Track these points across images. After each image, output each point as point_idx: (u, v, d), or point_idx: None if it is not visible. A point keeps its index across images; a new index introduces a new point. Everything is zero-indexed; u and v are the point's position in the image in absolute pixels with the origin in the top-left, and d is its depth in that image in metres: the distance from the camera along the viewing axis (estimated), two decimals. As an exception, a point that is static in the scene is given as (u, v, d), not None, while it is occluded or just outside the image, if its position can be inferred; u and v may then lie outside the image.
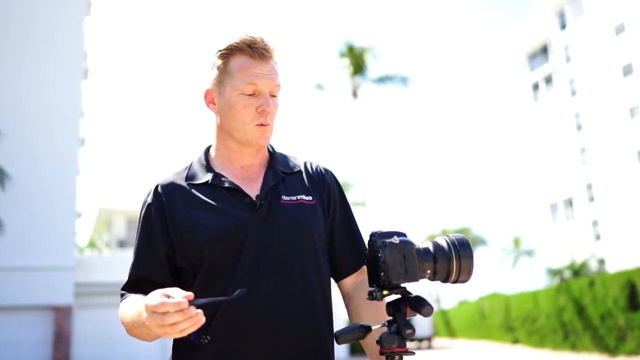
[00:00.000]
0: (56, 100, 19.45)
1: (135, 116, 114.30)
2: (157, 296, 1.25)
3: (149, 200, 1.60)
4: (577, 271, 26.95)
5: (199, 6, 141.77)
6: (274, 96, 1.59)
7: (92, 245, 46.02)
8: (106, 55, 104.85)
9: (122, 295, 1.57)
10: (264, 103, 1.55)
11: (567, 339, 20.89)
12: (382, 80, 35.12)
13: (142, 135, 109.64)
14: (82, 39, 20.83)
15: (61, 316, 18.13)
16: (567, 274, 27.22)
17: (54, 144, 19.03)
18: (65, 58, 19.95)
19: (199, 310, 1.22)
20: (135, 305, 1.43)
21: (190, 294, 1.23)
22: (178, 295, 1.23)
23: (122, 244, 33.00)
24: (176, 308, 1.20)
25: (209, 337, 1.32)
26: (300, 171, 1.68)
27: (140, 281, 1.55)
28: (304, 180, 1.66)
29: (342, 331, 1.35)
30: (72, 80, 20.05)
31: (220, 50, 1.58)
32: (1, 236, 15.19)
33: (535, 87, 43.72)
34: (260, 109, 1.55)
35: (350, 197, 38.46)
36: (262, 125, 1.57)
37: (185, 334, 1.24)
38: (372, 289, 1.34)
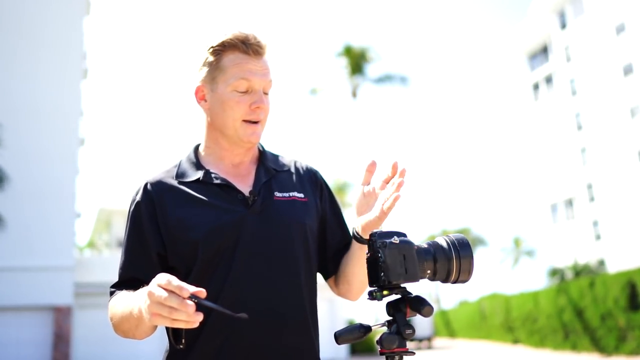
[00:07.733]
0: (56, 100, 19.45)
1: (135, 116, 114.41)
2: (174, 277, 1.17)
3: (139, 198, 1.56)
4: (579, 272, 26.95)
5: (197, 6, 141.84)
6: (265, 93, 1.58)
7: (92, 245, 46.01)
8: (106, 55, 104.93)
9: (111, 293, 1.54)
10: (258, 100, 1.54)
11: (567, 339, 20.88)
12: (382, 80, 35.09)
13: (142, 135, 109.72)
14: (82, 39, 20.83)
15: (61, 316, 18.12)
16: (569, 274, 27.22)
17: (53, 144, 19.02)
18: (65, 58, 19.95)
19: (199, 313, 1.14)
20: (128, 297, 1.40)
21: (203, 290, 1.15)
22: (192, 289, 1.15)
23: (121, 244, 32.99)
24: (186, 294, 1.13)
25: (184, 344, 1.24)
26: (290, 169, 1.68)
27: (131, 281, 1.51)
28: (295, 178, 1.66)
29: (342, 331, 1.34)
30: (72, 80, 20.05)
31: (212, 47, 1.55)
32: (1, 236, 15.18)
33: (536, 87, 43.73)
34: (254, 105, 1.53)
35: (350, 197, 38.45)
36: (253, 122, 1.55)
37: (175, 324, 1.16)
38: (372, 289, 1.33)
